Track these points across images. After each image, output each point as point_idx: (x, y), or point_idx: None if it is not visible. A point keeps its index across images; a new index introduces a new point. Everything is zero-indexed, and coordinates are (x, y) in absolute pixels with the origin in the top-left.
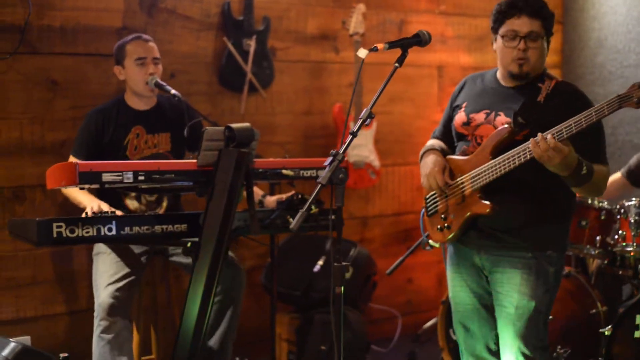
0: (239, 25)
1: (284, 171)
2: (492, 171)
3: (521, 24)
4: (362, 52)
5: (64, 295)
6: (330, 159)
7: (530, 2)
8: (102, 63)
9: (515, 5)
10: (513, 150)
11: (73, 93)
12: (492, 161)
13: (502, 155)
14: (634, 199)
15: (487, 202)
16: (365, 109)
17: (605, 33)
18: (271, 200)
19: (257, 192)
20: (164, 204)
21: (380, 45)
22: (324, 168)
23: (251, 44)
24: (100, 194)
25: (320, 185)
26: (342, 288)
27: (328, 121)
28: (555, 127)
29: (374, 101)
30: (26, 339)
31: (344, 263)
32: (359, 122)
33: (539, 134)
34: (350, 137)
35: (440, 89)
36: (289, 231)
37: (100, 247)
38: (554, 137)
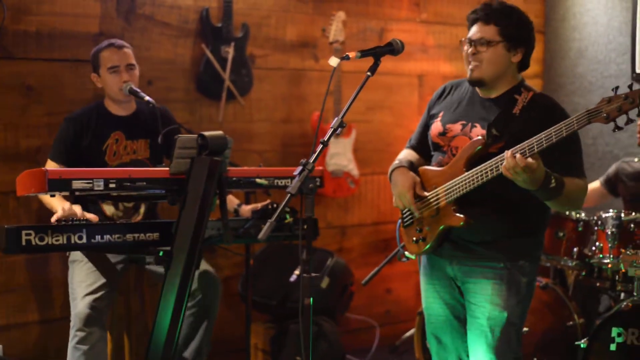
0: (217, 32)
1: (257, 180)
2: (465, 184)
3: (475, 30)
4: (334, 61)
5: (37, 303)
6: (300, 168)
7: (491, 8)
8: (79, 69)
9: (475, 13)
10: (486, 163)
11: (48, 99)
12: (466, 174)
13: (475, 168)
14: (611, 210)
15: (461, 215)
16: (336, 118)
17: (586, 43)
18: (246, 209)
19: (232, 201)
20: (142, 211)
21: (352, 54)
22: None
23: (230, 51)
24: (76, 198)
25: (289, 194)
26: (312, 299)
27: (307, 129)
28: (527, 141)
29: (345, 110)
30: None
31: (314, 274)
32: (330, 131)
33: (508, 152)
34: (320, 146)
35: (421, 98)
36: (262, 241)
37: (76, 255)
38: (525, 152)
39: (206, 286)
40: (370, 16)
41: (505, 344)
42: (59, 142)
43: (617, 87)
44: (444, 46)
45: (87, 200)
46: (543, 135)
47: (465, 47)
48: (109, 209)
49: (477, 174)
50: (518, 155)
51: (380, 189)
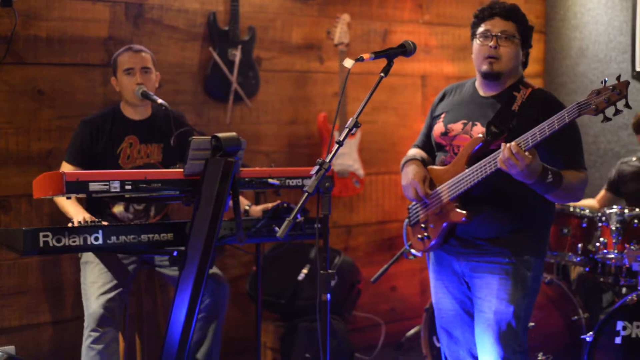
0: (224, 35)
1: (270, 180)
2: (466, 180)
3: (494, 23)
4: (348, 62)
5: (49, 304)
6: (316, 167)
7: (506, 7)
8: (89, 73)
9: (491, 9)
10: (487, 158)
11: (59, 103)
12: (466, 170)
13: (475, 165)
14: (614, 207)
15: (463, 212)
16: (351, 118)
17: (587, 42)
18: (256, 209)
19: (243, 202)
20: (152, 213)
21: (366, 55)
22: (309, 177)
23: (237, 54)
24: (88, 202)
25: (307, 193)
26: (328, 295)
27: (313, 130)
28: (522, 136)
29: (360, 110)
30: (10, 349)
31: (330, 271)
32: (345, 131)
33: (502, 144)
34: (336, 146)
35: (424, 98)
36: (275, 240)
37: (88, 256)
38: (521, 145)
39: (214, 290)
40: (374, 18)
41: (512, 337)
42: (75, 145)
43: (605, 80)
44: (447, 47)
45: (98, 205)
46: (537, 130)
47: (481, 41)
48: (120, 213)
49: (477, 170)
50: (513, 146)
51: (384, 189)
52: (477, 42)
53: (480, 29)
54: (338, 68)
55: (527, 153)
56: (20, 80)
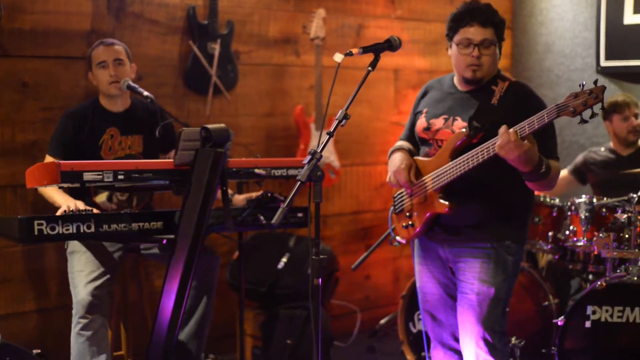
0: (204, 29)
1: (256, 170)
2: (451, 172)
3: (474, 32)
4: (338, 57)
5: (34, 292)
6: (308, 157)
7: (483, 11)
8: (72, 65)
9: (469, 15)
10: (470, 152)
11: (43, 95)
12: (451, 163)
13: (460, 157)
14: (583, 196)
15: (446, 202)
16: (340, 110)
17: (553, 38)
18: (240, 198)
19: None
20: (134, 203)
21: (355, 50)
22: (294, 167)
23: (216, 48)
24: (71, 193)
25: (299, 182)
26: (320, 280)
27: (290, 122)
28: (517, 125)
29: (349, 103)
30: None
31: (322, 256)
32: (335, 122)
33: (504, 126)
34: (327, 137)
35: (397, 91)
36: (260, 228)
37: (75, 246)
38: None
39: (207, 261)
40: (348, 13)
41: (493, 318)
42: (58, 138)
43: (583, 84)
44: (418, 41)
45: (82, 196)
46: (526, 124)
47: (461, 49)
48: (103, 203)
49: (462, 162)
50: (511, 130)
51: (359, 180)
52: (456, 49)
53: (459, 36)
54: (314, 62)
55: (525, 141)
56: (5, 72)
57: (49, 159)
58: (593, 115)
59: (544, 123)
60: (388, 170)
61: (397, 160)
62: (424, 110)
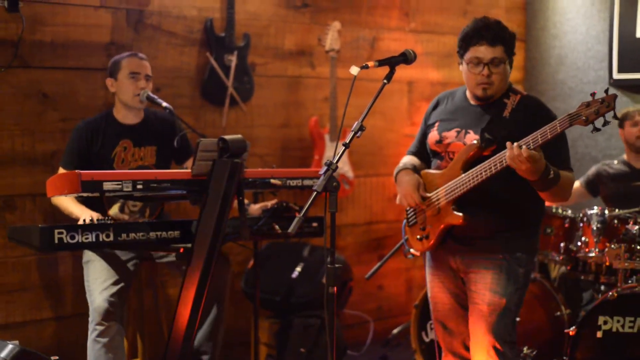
0: (221, 41)
1: (272, 180)
2: (463, 184)
3: (484, 51)
4: (355, 70)
5: (51, 301)
6: (324, 168)
7: (492, 29)
8: (91, 77)
9: (478, 33)
10: (482, 164)
11: (63, 106)
12: (463, 175)
13: (473, 169)
14: (595, 207)
15: (460, 214)
16: (356, 122)
17: (566, 51)
18: (255, 207)
19: None
20: (147, 214)
21: (371, 63)
22: (309, 177)
23: (232, 59)
24: (85, 204)
25: (316, 192)
26: (335, 288)
27: (304, 134)
28: (522, 140)
29: (364, 115)
30: (14, 344)
31: (337, 265)
32: (351, 134)
33: (514, 144)
34: (343, 148)
35: (410, 103)
36: (276, 237)
37: (89, 255)
38: (530, 144)
39: (219, 267)
40: (363, 26)
41: (503, 328)
42: (71, 150)
43: (594, 93)
44: (432, 54)
45: (94, 207)
46: (530, 138)
47: (471, 67)
48: (115, 214)
49: (475, 174)
50: (524, 147)
51: (372, 191)
52: (467, 68)
53: (469, 55)
54: (329, 74)
55: (533, 152)
56: (26, 83)
57: (61, 170)
58: (605, 123)
59: (557, 132)
60: (398, 192)
61: (404, 183)
62: (436, 123)
